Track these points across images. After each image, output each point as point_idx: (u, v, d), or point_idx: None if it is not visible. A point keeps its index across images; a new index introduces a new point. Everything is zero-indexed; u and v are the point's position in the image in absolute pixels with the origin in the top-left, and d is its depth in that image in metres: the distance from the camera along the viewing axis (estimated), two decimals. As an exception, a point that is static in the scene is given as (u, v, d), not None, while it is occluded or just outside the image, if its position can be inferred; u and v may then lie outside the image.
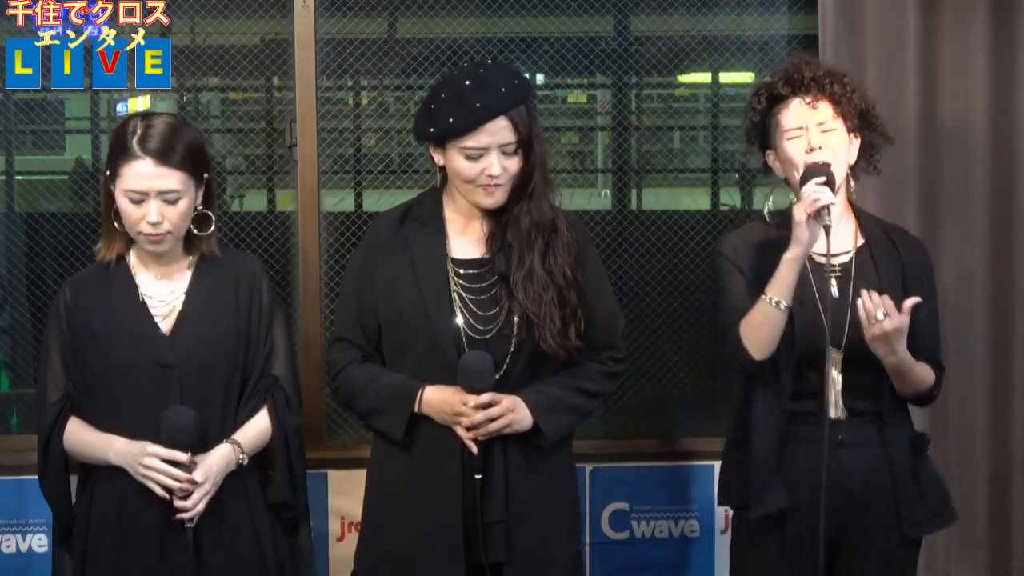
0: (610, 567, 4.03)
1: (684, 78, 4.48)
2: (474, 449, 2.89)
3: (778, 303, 2.94)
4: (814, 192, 2.87)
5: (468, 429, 2.89)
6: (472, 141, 2.88)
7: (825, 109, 3.01)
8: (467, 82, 2.90)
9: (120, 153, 2.88)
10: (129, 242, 2.99)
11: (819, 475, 2.92)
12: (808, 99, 3.02)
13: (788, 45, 4.21)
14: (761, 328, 2.97)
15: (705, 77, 4.51)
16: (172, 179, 2.87)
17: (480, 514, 2.91)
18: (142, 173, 2.86)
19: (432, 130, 2.92)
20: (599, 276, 3.10)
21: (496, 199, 2.94)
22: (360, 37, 4.10)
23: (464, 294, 2.97)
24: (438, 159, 2.98)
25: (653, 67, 4.39)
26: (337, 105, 4.32)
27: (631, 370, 4.20)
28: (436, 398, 2.93)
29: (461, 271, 2.99)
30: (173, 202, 2.88)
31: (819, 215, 2.86)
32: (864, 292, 2.91)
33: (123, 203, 2.89)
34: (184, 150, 2.89)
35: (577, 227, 3.07)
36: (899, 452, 3.05)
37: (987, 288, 3.94)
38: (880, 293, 2.93)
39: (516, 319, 2.94)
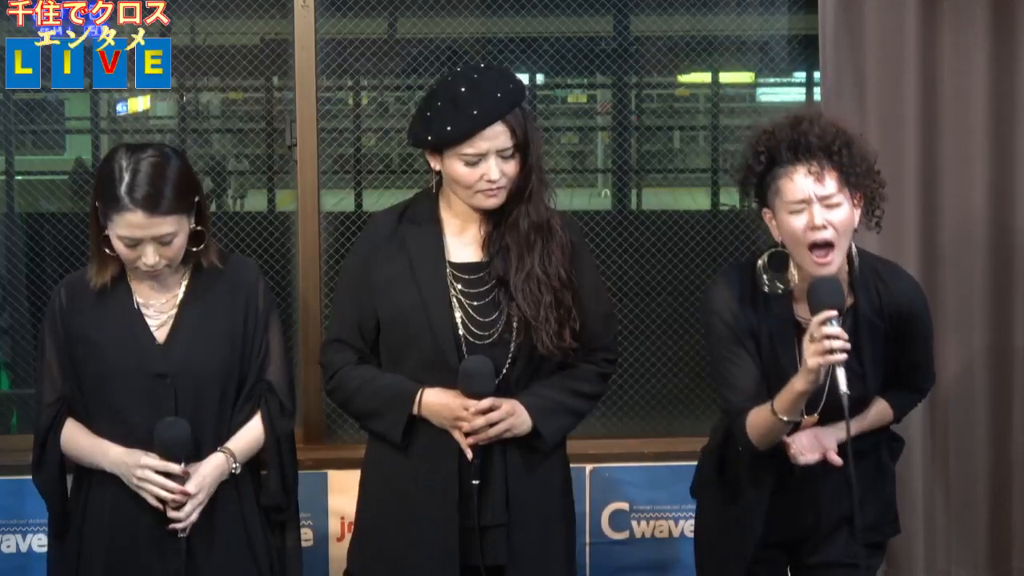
0: (610, 567, 4.03)
1: (684, 78, 4.48)
2: (470, 455, 2.89)
3: (787, 421, 2.84)
4: (826, 340, 2.69)
5: (467, 434, 2.89)
6: (470, 148, 2.87)
7: (830, 183, 2.80)
8: (463, 88, 2.89)
9: (109, 200, 2.82)
10: (122, 262, 2.94)
11: (785, 499, 2.99)
12: (814, 168, 2.80)
13: (788, 45, 4.22)
14: (768, 436, 2.90)
15: (705, 77, 4.52)
16: (165, 224, 2.83)
17: (479, 517, 2.91)
18: (134, 224, 2.81)
19: (430, 138, 2.90)
20: (593, 277, 3.10)
21: (498, 200, 2.93)
22: (360, 37, 4.11)
23: (463, 299, 2.96)
24: (435, 164, 2.96)
25: (653, 67, 4.40)
26: (337, 105, 4.32)
27: (631, 370, 4.20)
28: (436, 401, 2.92)
29: (459, 275, 2.98)
30: (168, 243, 2.85)
31: (835, 369, 2.71)
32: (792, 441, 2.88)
33: (118, 244, 2.86)
34: (173, 192, 2.83)
35: (572, 227, 3.06)
36: (862, 475, 2.96)
37: (987, 290, 3.93)
38: (860, 361, 2.91)
39: (515, 323, 2.94)
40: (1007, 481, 3.98)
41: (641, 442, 4.14)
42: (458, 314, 2.95)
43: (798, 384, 2.78)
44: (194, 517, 2.88)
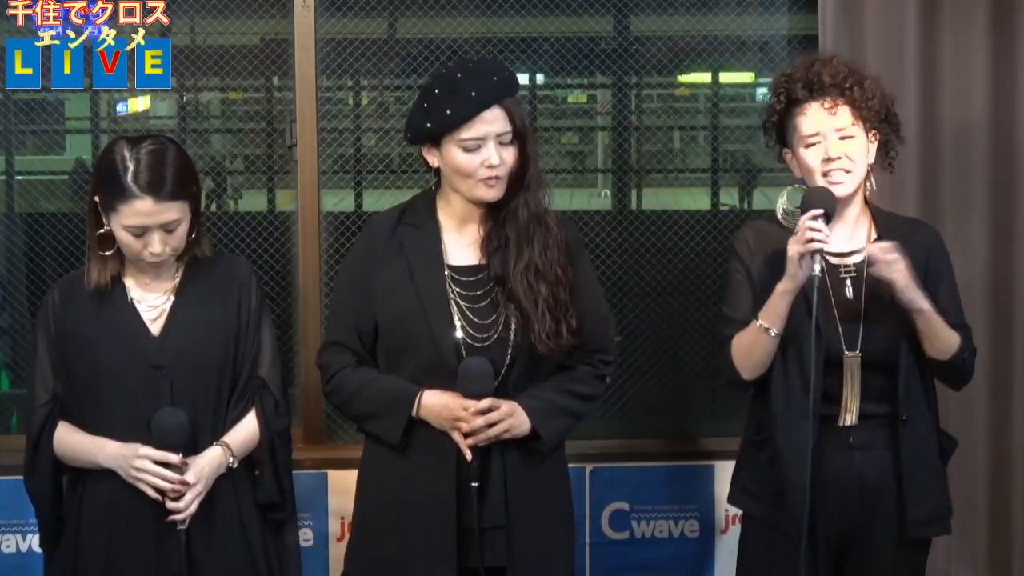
0: (610, 567, 4.03)
1: (684, 78, 4.48)
2: (469, 456, 2.89)
3: (768, 330, 2.94)
4: (809, 231, 2.84)
5: (466, 435, 2.89)
6: (469, 132, 2.88)
7: (844, 115, 2.96)
8: (459, 75, 2.91)
9: (114, 190, 2.84)
10: (120, 262, 2.96)
11: (834, 477, 2.97)
12: (827, 104, 2.96)
13: (788, 45, 4.21)
14: (752, 352, 2.99)
15: (705, 77, 4.51)
16: (171, 211, 2.85)
17: (478, 519, 2.90)
18: (142, 211, 2.83)
19: (429, 125, 2.90)
20: (590, 278, 3.10)
21: (497, 192, 2.93)
22: (360, 37, 4.10)
23: (462, 302, 2.96)
24: (432, 161, 2.97)
25: (653, 67, 4.39)
26: (337, 105, 4.32)
27: (631, 370, 4.20)
28: (435, 403, 2.92)
29: (458, 278, 2.98)
30: (173, 230, 2.88)
31: (811, 256, 2.84)
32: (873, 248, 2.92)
33: (123, 235, 2.87)
34: (177, 178, 2.86)
35: (568, 227, 3.06)
36: (911, 453, 3.01)
37: (987, 288, 3.93)
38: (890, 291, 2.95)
39: (513, 324, 2.94)
40: (1007, 481, 3.98)
41: (641, 442, 4.14)
42: (457, 317, 2.95)
43: (780, 284, 2.91)
44: (193, 508, 2.88)
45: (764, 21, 4.23)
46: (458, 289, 2.97)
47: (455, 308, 2.95)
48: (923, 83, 3.86)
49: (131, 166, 2.84)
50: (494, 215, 2.98)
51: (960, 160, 3.90)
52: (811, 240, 2.83)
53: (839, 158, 2.95)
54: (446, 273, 2.97)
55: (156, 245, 2.86)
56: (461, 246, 3.01)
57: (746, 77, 4.51)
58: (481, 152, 2.89)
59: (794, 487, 2.94)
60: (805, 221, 2.85)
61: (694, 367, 4.23)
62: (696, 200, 4.59)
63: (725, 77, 4.50)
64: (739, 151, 4.60)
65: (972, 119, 3.88)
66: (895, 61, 3.84)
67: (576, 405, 3.02)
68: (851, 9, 3.85)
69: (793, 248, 2.86)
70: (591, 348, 3.04)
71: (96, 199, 2.89)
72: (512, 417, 2.90)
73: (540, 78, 4.52)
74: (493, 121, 2.88)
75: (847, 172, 2.96)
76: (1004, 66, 3.89)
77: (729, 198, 4.60)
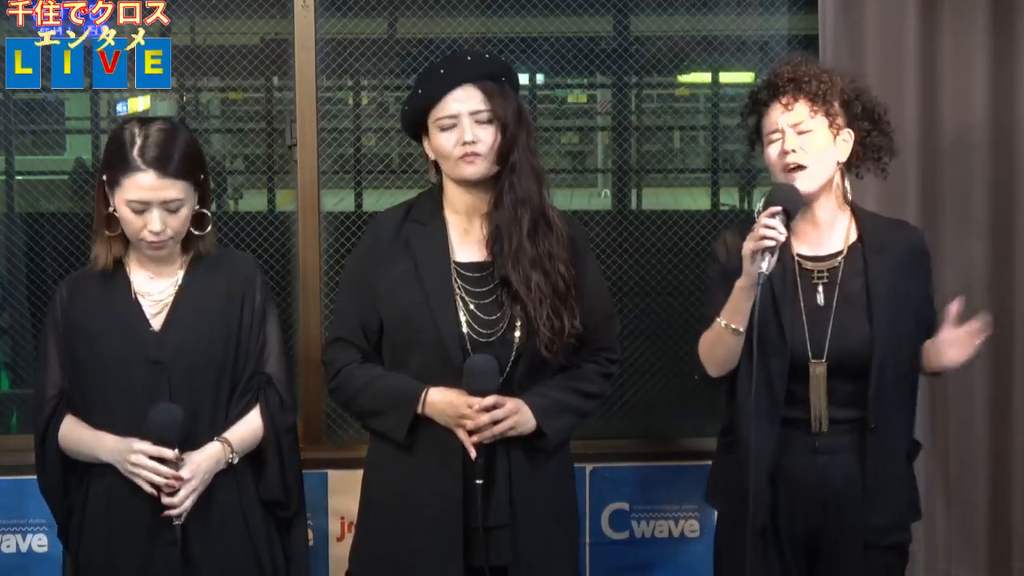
0: (610, 567, 4.03)
1: (684, 78, 4.48)
2: (473, 453, 2.89)
3: (728, 326, 2.95)
4: (764, 228, 2.84)
5: (471, 432, 2.89)
6: (443, 111, 2.92)
7: (801, 110, 2.98)
8: (438, 60, 3.00)
9: (120, 163, 2.89)
10: (125, 244, 2.99)
11: (800, 480, 2.98)
12: (785, 99, 2.99)
13: (788, 45, 4.21)
14: (715, 348, 3.02)
15: (705, 77, 4.51)
16: (174, 189, 2.88)
17: (482, 518, 2.90)
18: (144, 185, 2.87)
19: (407, 108, 2.98)
20: (596, 278, 3.10)
21: (477, 168, 2.95)
22: (360, 37, 4.11)
23: (467, 298, 2.97)
24: (429, 152, 2.99)
25: (653, 67, 4.39)
26: (337, 105, 4.32)
27: (631, 370, 4.20)
28: (440, 400, 2.93)
29: (464, 274, 2.98)
30: (175, 210, 2.90)
31: (761, 254, 2.83)
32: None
33: (124, 211, 2.90)
34: (183, 158, 2.90)
35: (573, 225, 3.07)
36: (876, 460, 3.00)
37: (987, 288, 3.93)
38: (867, 297, 2.96)
39: (518, 322, 2.94)
40: (1007, 481, 3.98)
41: (641, 442, 4.14)
42: (462, 313, 2.95)
43: (738, 281, 2.91)
44: (188, 504, 2.89)
45: (764, 21, 4.23)
46: (465, 285, 2.98)
47: (460, 304, 2.96)
48: (923, 83, 3.86)
49: (139, 140, 2.89)
50: (496, 215, 2.98)
51: (960, 160, 3.90)
52: (764, 237, 2.83)
53: (793, 151, 2.96)
54: (452, 269, 2.97)
55: (156, 223, 2.88)
56: (467, 243, 3.02)
57: (746, 77, 4.51)
58: (456, 131, 2.92)
59: (752, 487, 2.94)
60: (762, 218, 2.86)
61: (694, 367, 4.22)
62: (696, 200, 4.59)
63: (725, 77, 4.50)
64: (739, 151, 4.60)
65: (972, 120, 3.88)
66: (895, 61, 3.84)
67: (581, 403, 3.03)
68: (851, 9, 3.85)
69: (747, 245, 2.87)
70: (597, 346, 3.05)
71: (104, 177, 2.93)
72: (517, 414, 2.91)
73: (540, 78, 4.52)
74: (466, 99, 2.91)
75: (803, 167, 2.96)
76: (1004, 66, 3.88)
77: (729, 198, 4.59)
